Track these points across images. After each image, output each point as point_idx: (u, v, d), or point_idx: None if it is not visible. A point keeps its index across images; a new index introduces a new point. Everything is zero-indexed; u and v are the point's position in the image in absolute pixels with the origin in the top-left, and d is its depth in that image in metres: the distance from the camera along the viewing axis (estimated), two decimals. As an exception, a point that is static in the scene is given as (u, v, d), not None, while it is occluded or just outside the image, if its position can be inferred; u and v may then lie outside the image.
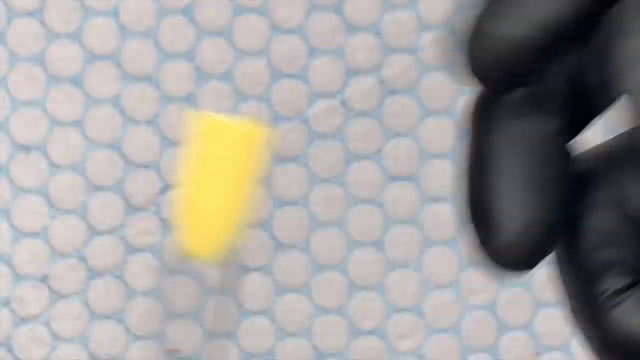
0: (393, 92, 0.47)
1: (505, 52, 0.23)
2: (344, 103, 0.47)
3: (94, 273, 0.47)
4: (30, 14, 0.47)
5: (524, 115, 0.24)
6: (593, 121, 0.26)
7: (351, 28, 0.47)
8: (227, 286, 0.32)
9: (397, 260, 0.47)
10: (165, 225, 0.47)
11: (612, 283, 0.24)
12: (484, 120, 0.26)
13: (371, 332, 0.47)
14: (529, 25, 0.23)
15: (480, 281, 0.47)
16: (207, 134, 0.29)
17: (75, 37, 0.47)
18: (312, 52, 0.47)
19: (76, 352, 0.47)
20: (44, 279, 0.47)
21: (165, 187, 0.47)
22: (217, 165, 0.29)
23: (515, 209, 0.24)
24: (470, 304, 0.47)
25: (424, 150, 0.47)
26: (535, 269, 0.50)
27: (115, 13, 0.47)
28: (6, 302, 0.47)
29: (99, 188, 0.47)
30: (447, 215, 0.47)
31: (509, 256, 0.24)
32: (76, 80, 0.47)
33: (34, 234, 0.47)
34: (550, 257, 0.48)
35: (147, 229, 0.47)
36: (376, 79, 0.47)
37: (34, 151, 0.47)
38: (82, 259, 0.47)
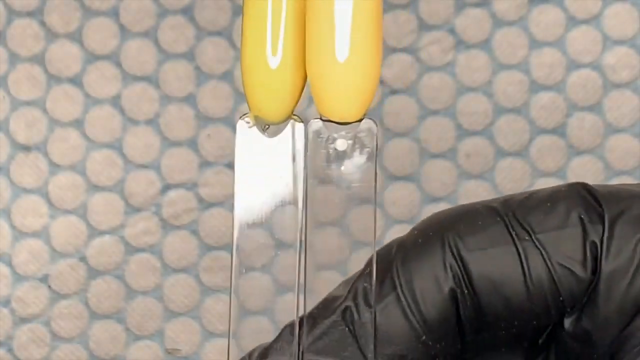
0: (393, 92, 0.47)
1: None
2: (343, 103, 0.47)
3: (94, 273, 0.47)
4: (30, 14, 0.47)
5: None
6: None
7: (351, 28, 0.47)
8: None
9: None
10: (165, 225, 0.47)
11: None
12: None
13: (371, 332, 0.47)
14: None
15: (480, 281, 0.47)
16: None
17: (75, 37, 0.47)
18: (312, 52, 0.47)
19: (76, 351, 0.47)
20: (44, 278, 0.47)
21: (166, 187, 0.47)
22: None
23: None
24: (470, 304, 0.47)
25: (424, 150, 0.47)
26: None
27: (115, 13, 0.47)
28: (6, 302, 0.47)
29: (99, 188, 0.47)
30: (447, 215, 0.47)
31: None
32: (76, 80, 0.47)
33: (34, 234, 0.47)
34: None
35: (147, 229, 0.47)
36: (376, 79, 0.47)
37: (34, 151, 0.47)
38: (82, 258, 0.47)
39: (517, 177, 0.47)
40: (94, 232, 0.47)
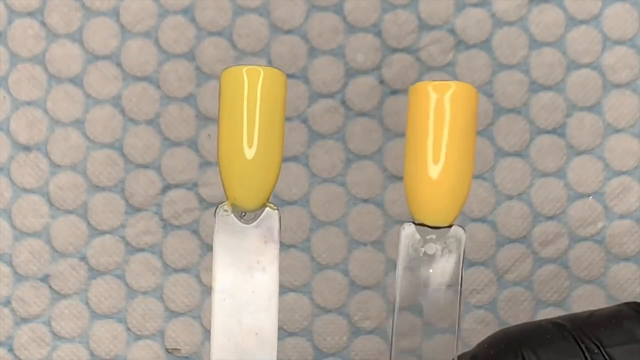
0: (393, 92, 0.47)
1: None
2: (344, 103, 0.47)
3: (94, 273, 0.47)
4: (30, 14, 0.47)
5: None
6: None
7: (351, 28, 0.47)
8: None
9: (397, 260, 0.47)
10: (166, 225, 0.47)
11: None
12: None
13: (371, 332, 0.47)
14: None
15: (480, 281, 0.47)
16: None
17: (76, 37, 0.47)
18: (312, 52, 0.47)
19: (77, 351, 0.47)
20: (45, 278, 0.47)
21: (166, 187, 0.47)
22: None
23: None
24: (470, 304, 0.47)
25: (423, 150, 0.47)
26: (535, 268, 0.50)
27: (115, 13, 0.47)
28: (7, 302, 0.47)
29: (99, 188, 0.47)
30: (447, 215, 0.47)
31: None
32: (77, 81, 0.47)
33: (35, 234, 0.47)
34: (552, 255, 0.49)
35: (147, 228, 0.47)
36: (376, 79, 0.47)
37: (34, 151, 0.47)
38: (83, 258, 0.47)
39: (517, 177, 0.47)
40: (94, 232, 0.47)
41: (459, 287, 0.34)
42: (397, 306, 0.34)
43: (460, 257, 0.34)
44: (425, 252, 0.34)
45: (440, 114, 0.33)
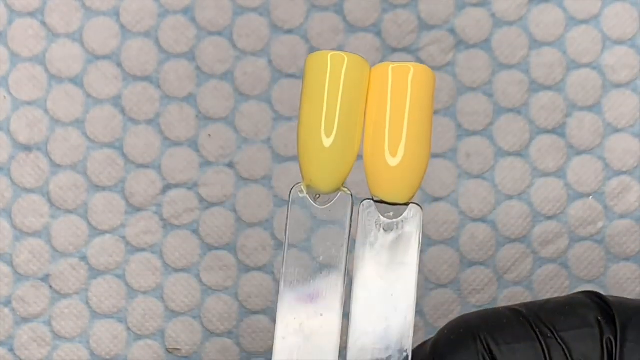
0: (393, 92, 0.47)
1: None
2: (344, 103, 0.47)
3: (94, 272, 0.47)
4: (31, 14, 0.47)
5: None
6: None
7: (351, 28, 0.47)
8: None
9: (397, 260, 0.47)
10: (166, 225, 0.47)
11: None
12: None
13: (371, 332, 0.47)
14: None
15: (480, 281, 0.47)
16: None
17: (76, 37, 0.47)
18: (312, 52, 0.47)
19: (77, 351, 0.47)
20: (45, 278, 0.47)
21: (166, 187, 0.47)
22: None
23: None
24: (470, 304, 0.47)
25: (423, 150, 0.47)
26: (535, 268, 0.50)
27: (115, 13, 0.47)
28: (7, 302, 0.47)
29: (99, 188, 0.47)
30: (447, 215, 0.47)
31: None
32: (77, 80, 0.47)
33: (35, 234, 0.47)
34: (552, 255, 0.49)
35: (148, 228, 0.47)
36: (376, 79, 0.47)
37: (34, 151, 0.47)
38: (83, 258, 0.47)
39: (517, 177, 0.47)
40: (94, 232, 0.47)
41: (417, 264, 0.34)
42: (354, 284, 0.34)
43: (418, 234, 0.34)
44: (383, 228, 0.34)
45: (398, 93, 0.33)
